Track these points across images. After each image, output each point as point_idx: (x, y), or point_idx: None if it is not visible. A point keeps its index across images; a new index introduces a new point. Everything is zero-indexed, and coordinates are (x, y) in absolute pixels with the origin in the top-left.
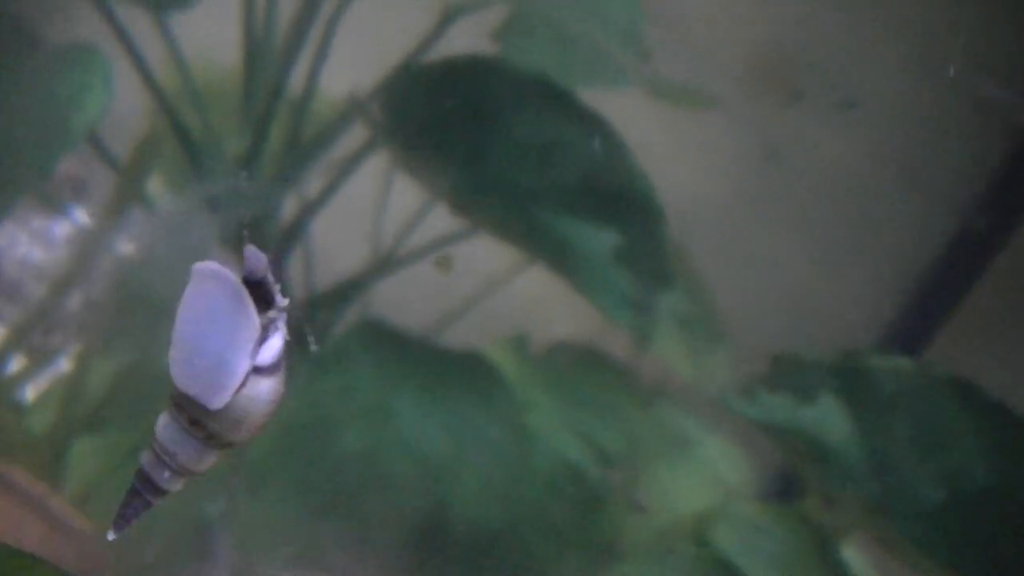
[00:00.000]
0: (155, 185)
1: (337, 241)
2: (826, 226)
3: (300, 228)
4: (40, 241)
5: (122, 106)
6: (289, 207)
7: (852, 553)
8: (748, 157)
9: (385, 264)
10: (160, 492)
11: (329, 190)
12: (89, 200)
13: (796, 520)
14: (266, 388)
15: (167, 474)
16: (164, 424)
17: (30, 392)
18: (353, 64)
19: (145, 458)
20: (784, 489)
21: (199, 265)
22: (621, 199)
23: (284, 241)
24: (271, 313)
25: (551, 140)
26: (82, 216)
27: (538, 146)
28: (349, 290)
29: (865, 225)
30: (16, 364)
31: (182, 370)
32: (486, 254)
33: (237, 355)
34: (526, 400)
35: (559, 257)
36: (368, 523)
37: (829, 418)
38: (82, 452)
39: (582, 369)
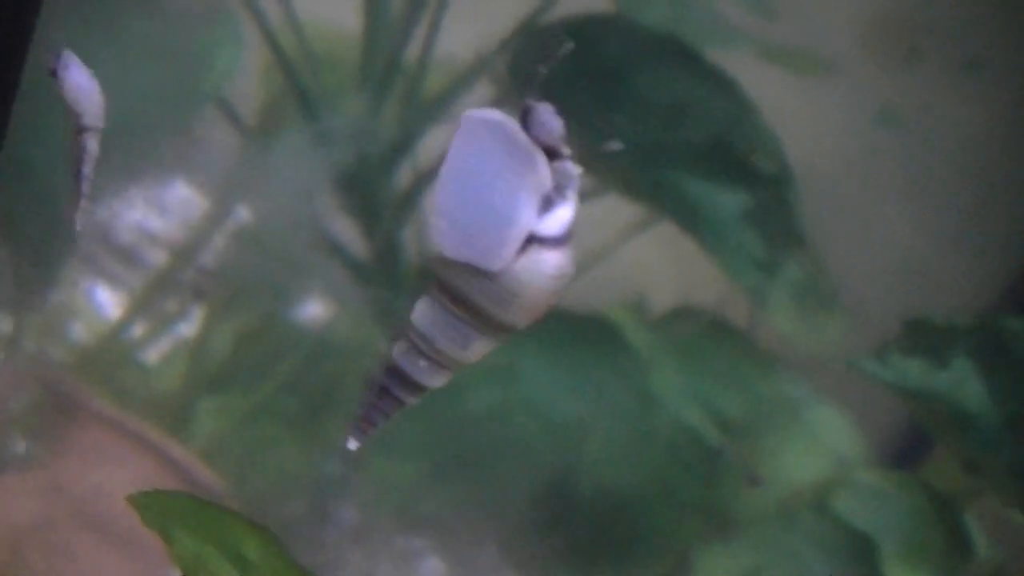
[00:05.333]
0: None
1: None
2: (943, 191)
3: (416, 194)
4: (153, 206)
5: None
6: (404, 175)
7: (975, 520)
8: (864, 120)
9: None
10: (413, 387)
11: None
12: (205, 165)
13: (918, 486)
14: (549, 261)
15: (423, 363)
16: (421, 307)
17: (151, 356)
18: (468, 27)
19: (397, 349)
20: (897, 458)
21: (470, 112)
22: (750, 160)
23: (399, 209)
24: (562, 175)
25: (679, 99)
26: (195, 182)
27: (666, 105)
28: None
29: (983, 191)
30: (136, 329)
31: (450, 232)
32: (597, 219)
33: (519, 207)
34: (649, 363)
35: (686, 216)
36: (494, 485)
37: (965, 382)
38: (207, 412)
39: (702, 334)
